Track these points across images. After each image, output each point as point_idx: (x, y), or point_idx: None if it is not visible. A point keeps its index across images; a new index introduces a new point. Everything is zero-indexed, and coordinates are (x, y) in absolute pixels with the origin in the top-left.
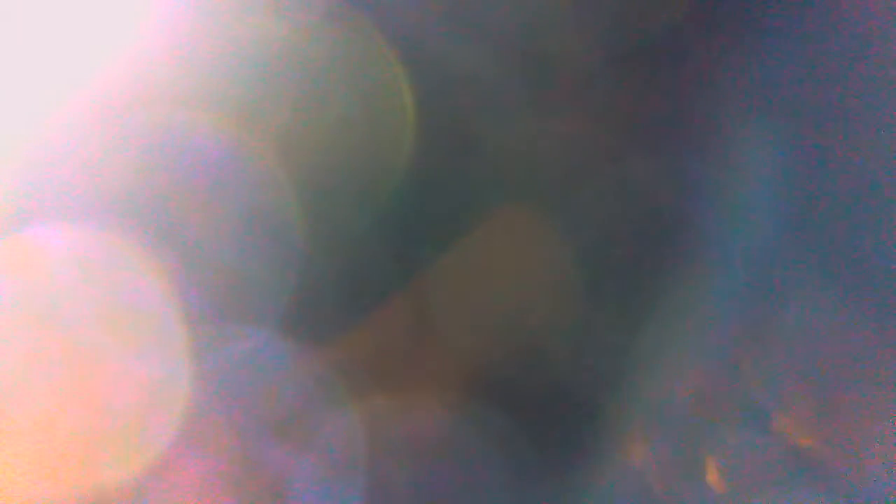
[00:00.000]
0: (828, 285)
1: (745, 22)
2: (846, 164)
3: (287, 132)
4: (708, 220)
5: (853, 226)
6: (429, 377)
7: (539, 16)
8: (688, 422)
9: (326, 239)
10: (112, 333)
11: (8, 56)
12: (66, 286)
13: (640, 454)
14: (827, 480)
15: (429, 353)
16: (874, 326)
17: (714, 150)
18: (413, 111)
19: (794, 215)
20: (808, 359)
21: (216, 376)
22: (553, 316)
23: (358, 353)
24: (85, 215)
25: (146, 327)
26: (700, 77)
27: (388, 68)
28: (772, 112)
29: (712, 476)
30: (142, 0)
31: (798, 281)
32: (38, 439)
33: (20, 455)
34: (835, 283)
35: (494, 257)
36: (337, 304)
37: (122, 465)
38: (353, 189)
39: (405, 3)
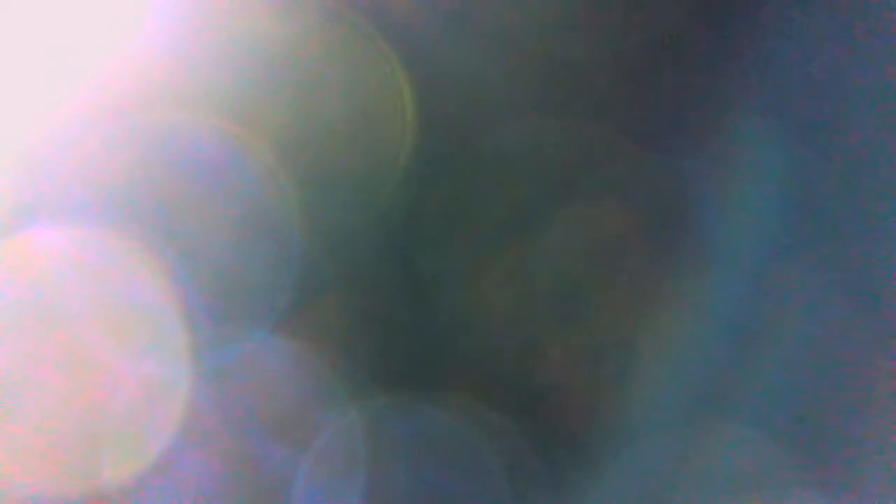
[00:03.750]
0: (828, 285)
1: (748, 22)
2: (848, 163)
3: (287, 132)
4: (709, 219)
5: (854, 225)
6: (429, 377)
7: (539, 15)
8: (688, 422)
9: (326, 239)
10: (112, 334)
11: (8, 55)
12: (66, 286)
13: (639, 454)
14: (825, 481)
15: (429, 354)
16: (874, 326)
17: (717, 151)
18: (413, 111)
19: (795, 215)
20: (807, 358)
21: (216, 376)
22: (553, 315)
23: (358, 353)
24: (85, 215)
25: (146, 328)
26: (702, 77)
27: (388, 68)
28: (774, 112)
29: (713, 477)
30: (142, 0)
31: (798, 281)
32: (38, 439)
33: (20, 455)
34: (835, 282)
35: (495, 256)
36: (337, 305)
37: (121, 466)
38: (352, 189)
39: (405, 3)
